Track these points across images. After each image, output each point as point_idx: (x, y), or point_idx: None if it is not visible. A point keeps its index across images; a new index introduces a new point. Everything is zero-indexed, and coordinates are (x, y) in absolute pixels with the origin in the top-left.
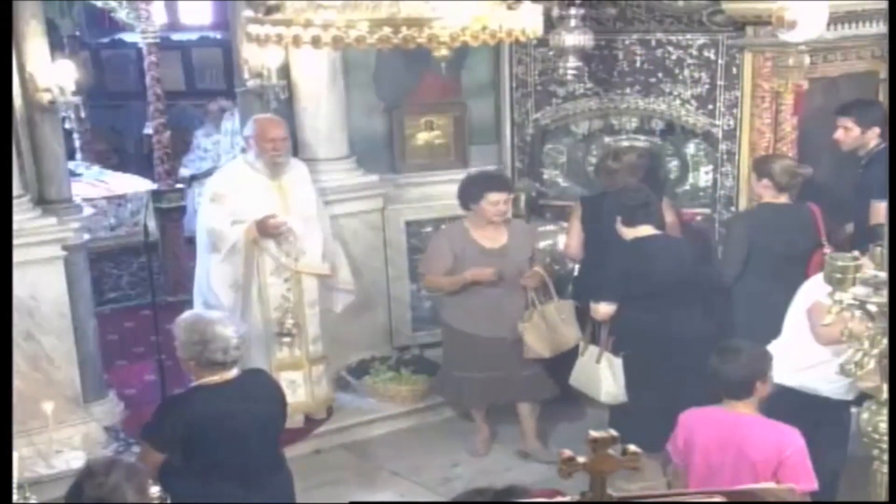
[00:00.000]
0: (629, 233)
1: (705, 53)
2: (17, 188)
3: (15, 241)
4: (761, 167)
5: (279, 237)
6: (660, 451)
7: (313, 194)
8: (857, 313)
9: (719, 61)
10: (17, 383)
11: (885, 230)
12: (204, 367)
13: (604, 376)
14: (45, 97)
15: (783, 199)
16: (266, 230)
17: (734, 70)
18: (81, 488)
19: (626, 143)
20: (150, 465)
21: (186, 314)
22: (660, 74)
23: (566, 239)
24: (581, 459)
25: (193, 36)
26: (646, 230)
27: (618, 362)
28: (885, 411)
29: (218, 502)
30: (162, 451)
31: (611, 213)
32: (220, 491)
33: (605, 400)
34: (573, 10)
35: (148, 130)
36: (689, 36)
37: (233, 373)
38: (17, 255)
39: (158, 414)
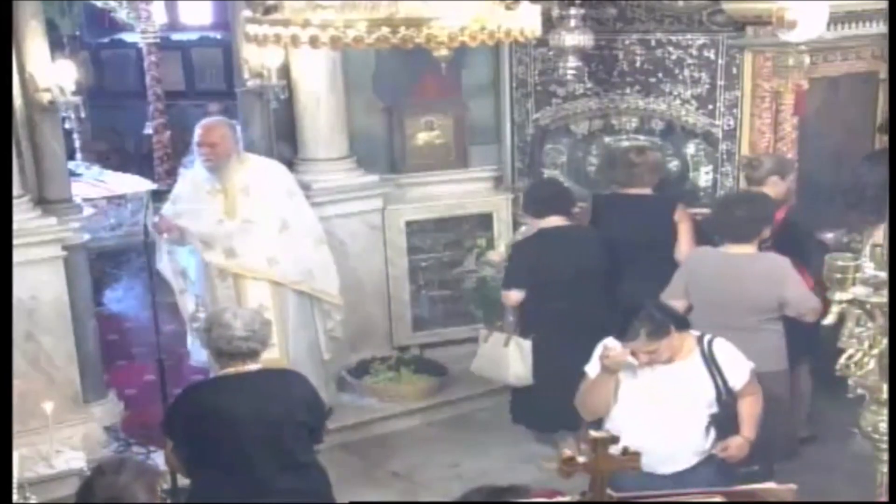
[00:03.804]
0: (536, 223)
1: (705, 53)
2: (17, 188)
3: (15, 241)
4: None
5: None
6: (557, 430)
7: (272, 198)
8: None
9: (719, 61)
10: (17, 383)
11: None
12: (216, 356)
13: (512, 359)
14: (45, 97)
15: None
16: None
17: (734, 70)
18: (92, 487)
19: (626, 143)
20: (168, 454)
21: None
22: (660, 74)
23: None
24: (581, 459)
25: (193, 36)
26: (554, 220)
27: (527, 345)
28: (885, 411)
29: (218, 498)
30: (170, 438)
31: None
32: (222, 484)
33: (513, 382)
34: (573, 10)
35: (148, 130)
36: (689, 36)
37: (251, 367)
38: (17, 255)
39: (174, 401)
